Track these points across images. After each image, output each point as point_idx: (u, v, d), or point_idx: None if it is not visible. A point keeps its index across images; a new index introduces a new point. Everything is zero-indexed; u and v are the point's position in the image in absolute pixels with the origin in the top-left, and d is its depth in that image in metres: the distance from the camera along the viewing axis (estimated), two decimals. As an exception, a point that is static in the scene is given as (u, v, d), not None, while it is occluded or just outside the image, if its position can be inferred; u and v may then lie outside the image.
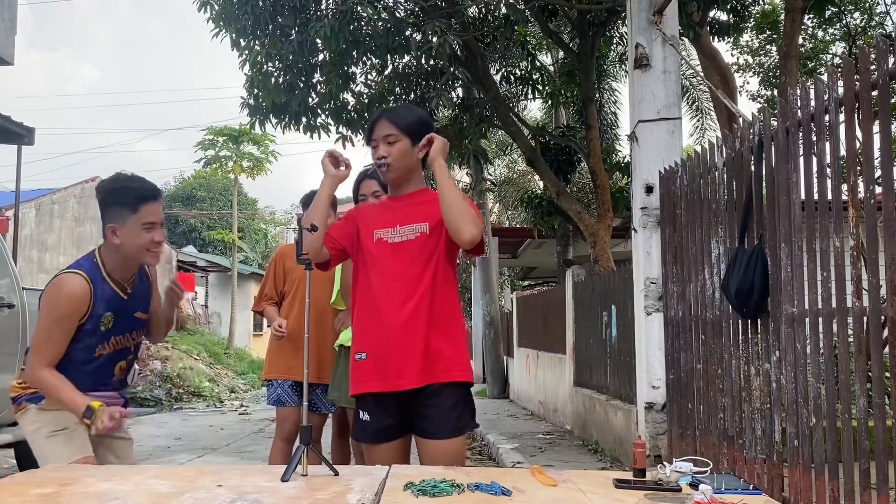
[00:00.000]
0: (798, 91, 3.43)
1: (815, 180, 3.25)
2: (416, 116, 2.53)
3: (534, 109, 16.80)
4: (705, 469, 2.00)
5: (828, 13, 9.81)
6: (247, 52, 8.57)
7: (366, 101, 9.28)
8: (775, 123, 3.64)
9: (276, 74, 8.67)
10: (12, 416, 4.96)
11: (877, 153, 2.93)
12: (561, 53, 12.27)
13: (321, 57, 8.67)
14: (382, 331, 2.39)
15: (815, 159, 3.25)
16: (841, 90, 3.05)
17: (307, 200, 3.88)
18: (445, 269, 2.45)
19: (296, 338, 3.80)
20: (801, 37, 9.84)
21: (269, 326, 4.82)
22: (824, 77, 3.17)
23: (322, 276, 3.69)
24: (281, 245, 4.39)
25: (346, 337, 3.37)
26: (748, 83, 28.46)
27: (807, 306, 3.33)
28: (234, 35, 8.46)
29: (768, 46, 11.54)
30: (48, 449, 2.65)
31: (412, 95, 9.45)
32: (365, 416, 2.43)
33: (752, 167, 3.79)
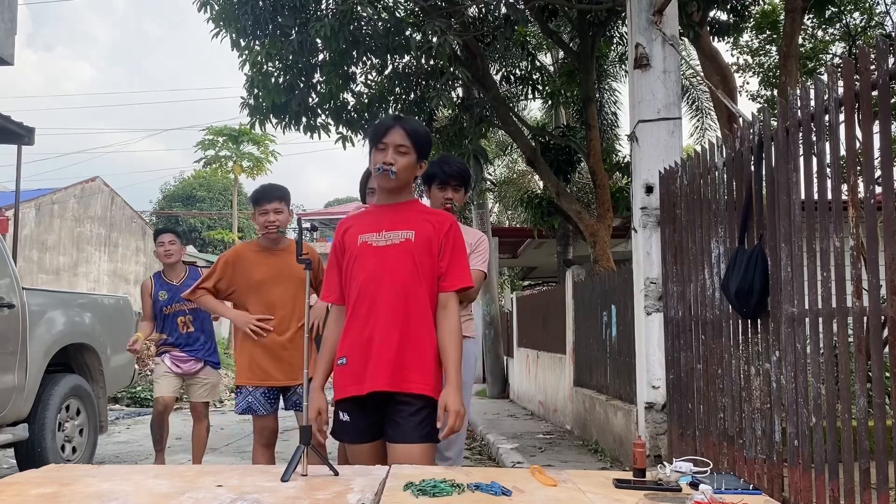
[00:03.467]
0: (798, 91, 3.43)
1: (815, 180, 3.25)
2: (426, 135, 2.55)
3: (534, 109, 16.81)
4: (705, 469, 2.00)
5: (828, 13, 9.80)
6: (247, 52, 8.56)
7: (366, 101, 9.28)
8: (775, 123, 3.64)
9: (276, 74, 8.67)
10: (12, 416, 4.99)
11: (877, 153, 2.93)
12: (561, 53, 12.27)
13: (321, 57, 8.67)
14: (363, 335, 2.39)
15: (815, 159, 3.25)
16: (841, 90, 3.05)
17: (256, 198, 3.78)
18: (429, 277, 2.43)
19: (269, 342, 3.66)
20: (801, 37, 9.83)
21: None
22: (824, 77, 3.17)
23: (302, 278, 3.61)
24: (239, 244, 4.30)
25: None
26: (748, 83, 28.50)
27: (807, 306, 3.33)
28: (234, 35, 8.45)
29: (768, 46, 11.54)
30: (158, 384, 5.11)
31: (412, 95, 9.45)
32: (345, 417, 2.44)
33: (752, 167, 3.79)
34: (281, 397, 3.80)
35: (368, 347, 2.38)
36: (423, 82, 9.29)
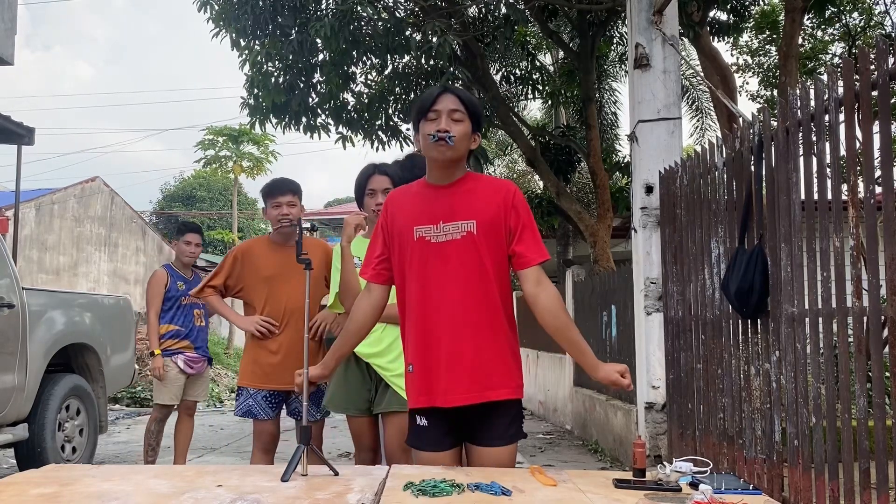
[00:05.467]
0: (798, 91, 3.43)
1: (815, 180, 3.25)
2: (478, 104, 2.32)
3: (534, 109, 16.80)
4: (705, 469, 2.00)
5: (828, 13, 9.81)
6: (247, 52, 8.57)
7: (366, 101, 9.28)
8: (775, 123, 3.64)
9: (276, 74, 8.67)
10: (12, 416, 4.99)
11: (877, 153, 2.93)
12: (561, 53, 12.27)
13: (321, 57, 8.67)
14: (429, 342, 2.22)
15: (815, 159, 3.25)
16: (841, 90, 3.05)
17: (268, 191, 3.62)
18: (496, 270, 2.24)
19: (277, 343, 3.51)
20: (800, 37, 9.84)
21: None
22: (824, 77, 3.17)
23: (315, 275, 3.36)
24: (249, 239, 4.12)
25: None
26: (748, 83, 28.48)
27: (807, 306, 3.33)
28: (234, 35, 8.46)
29: (768, 46, 11.54)
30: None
31: (412, 95, 9.46)
32: (423, 422, 2.26)
33: (752, 167, 3.79)
34: (285, 402, 3.62)
35: (439, 357, 2.20)
36: (423, 82, 9.30)
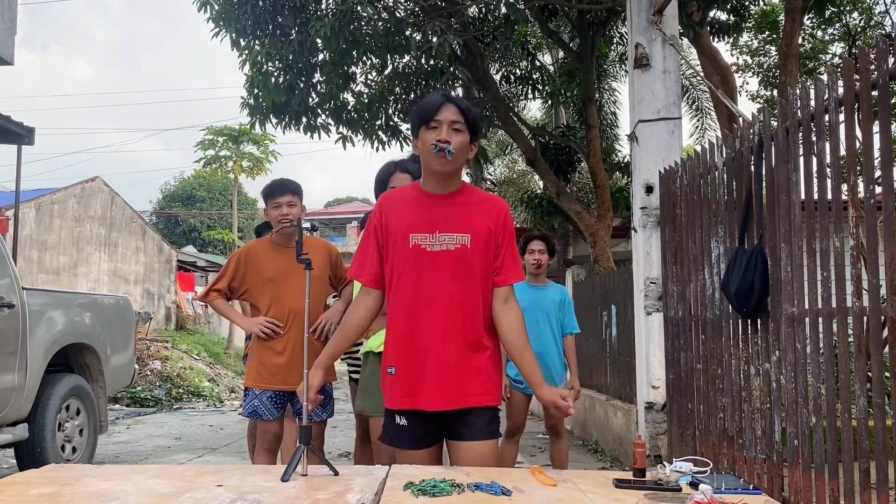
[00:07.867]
0: (798, 91, 3.43)
1: (815, 180, 3.25)
2: (478, 115, 2.37)
3: (534, 109, 16.79)
4: (705, 469, 2.00)
5: (828, 13, 9.82)
6: (247, 52, 8.58)
7: (366, 101, 9.29)
8: (775, 123, 3.64)
9: (276, 74, 8.68)
10: (12, 416, 4.99)
11: (877, 153, 2.93)
12: (561, 53, 12.28)
13: (321, 57, 8.68)
14: (416, 347, 2.26)
15: (815, 159, 3.25)
16: (841, 90, 3.05)
17: (269, 192, 3.61)
18: (483, 283, 2.31)
19: (281, 343, 3.52)
20: (800, 37, 9.84)
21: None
22: (824, 77, 3.17)
23: (318, 275, 3.44)
24: (251, 241, 4.07)
25: (373, 343, 3.15)
26: (748, 83, 28.52)
27: (807, 306, 3.33)
28: (234, 35, 8.47)
29: (768, 46, 11.54)
30: None
31: (412, 95, 9.46)
32: (402, 422, 2.30)
33: (752, 167, 3.79)
34: (290, 402, 3.62)
35: (423, 361, 2.25)
36: (423, 82, 9.30)
